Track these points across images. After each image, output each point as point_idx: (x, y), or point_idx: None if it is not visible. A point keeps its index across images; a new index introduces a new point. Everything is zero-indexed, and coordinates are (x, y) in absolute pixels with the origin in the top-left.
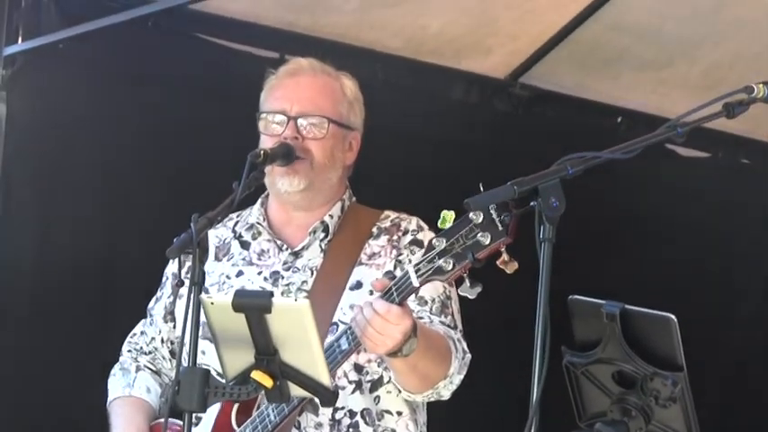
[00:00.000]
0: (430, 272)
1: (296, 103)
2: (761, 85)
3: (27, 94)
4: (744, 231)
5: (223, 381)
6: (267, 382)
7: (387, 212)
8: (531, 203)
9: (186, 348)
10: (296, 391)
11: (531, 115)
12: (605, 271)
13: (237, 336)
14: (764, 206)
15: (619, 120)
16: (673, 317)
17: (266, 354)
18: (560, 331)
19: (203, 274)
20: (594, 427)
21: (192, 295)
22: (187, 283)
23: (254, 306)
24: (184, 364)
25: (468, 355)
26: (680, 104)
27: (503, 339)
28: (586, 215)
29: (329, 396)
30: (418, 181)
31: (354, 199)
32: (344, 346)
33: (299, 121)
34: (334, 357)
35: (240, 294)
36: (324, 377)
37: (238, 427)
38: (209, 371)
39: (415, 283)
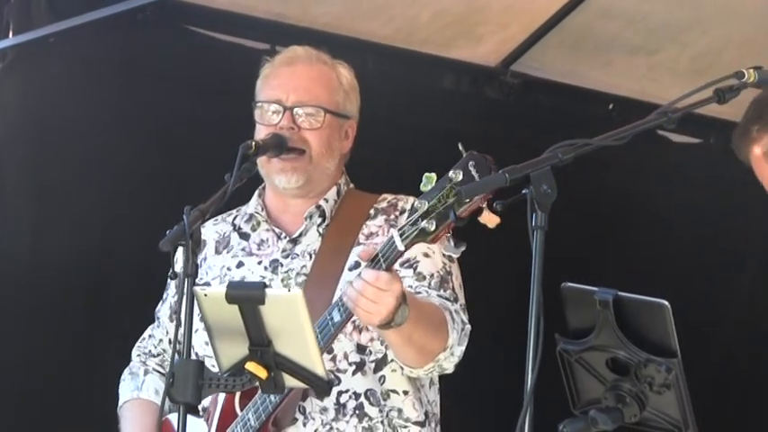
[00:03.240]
0: (414, 234)
1: (292, 92)
2: (751, 71)
3: (18, 88)
4: (737, 216)
5: (218, 372)
6: (261, 373)
7: (384, 195)
8: (523, 191)
9: (181, 339)
10: (290, 381)
11: (522, 103)
12: (598, 258)
13: (231, 327)
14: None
15: (610, 106)
16: (666, 303)
17: (260, 345)
18: (554, 319)
19: (196, 266)
20: (589, 414)
21: (185, 287)
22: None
23: (247, 297)
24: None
25: (468, 326)
26: (671, 90)
27: (496, 328)
28: (578, 202)
29: (324, 386)
30: (409, 170)
31: (352, 185)
32: (337, 318)
33: (296, 110)
34: (327, 331)
35: (233, 286)
36: (318, 367)
37: (242, 410)
38: (203, 362)
39: (401, 246)
